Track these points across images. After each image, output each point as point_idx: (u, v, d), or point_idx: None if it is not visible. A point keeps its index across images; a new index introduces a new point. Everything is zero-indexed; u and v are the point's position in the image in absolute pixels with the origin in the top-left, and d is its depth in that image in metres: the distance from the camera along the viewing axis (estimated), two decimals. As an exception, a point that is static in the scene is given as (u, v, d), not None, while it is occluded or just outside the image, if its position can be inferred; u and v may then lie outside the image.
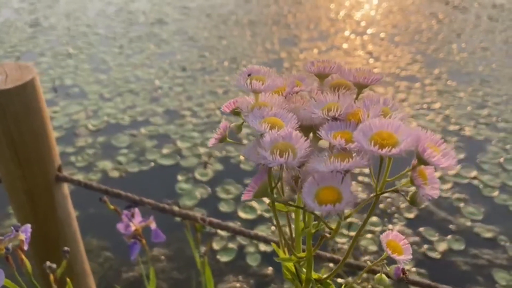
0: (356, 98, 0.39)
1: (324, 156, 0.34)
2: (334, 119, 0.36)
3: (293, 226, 0.41)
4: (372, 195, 0.35)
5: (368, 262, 0.40)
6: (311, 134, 0.37)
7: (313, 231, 0.38)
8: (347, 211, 0.35)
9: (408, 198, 0.36)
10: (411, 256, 0.41)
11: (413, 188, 0.35)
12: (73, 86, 2.88)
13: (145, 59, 3.30)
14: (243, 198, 0.35)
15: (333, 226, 0.36)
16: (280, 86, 0.41)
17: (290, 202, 0.36)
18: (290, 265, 0.41)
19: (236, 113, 0.41)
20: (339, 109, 0.36)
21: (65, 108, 2.61)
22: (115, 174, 2.05)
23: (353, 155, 0.33)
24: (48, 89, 2.83)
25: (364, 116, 0.35)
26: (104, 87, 2.87)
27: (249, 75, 0.40)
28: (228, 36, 3.71)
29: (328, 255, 0.80)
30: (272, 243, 0.44)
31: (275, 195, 0.37)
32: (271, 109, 0.37)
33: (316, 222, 0.38)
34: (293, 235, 0.41)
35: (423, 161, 0.33)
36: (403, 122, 0.33)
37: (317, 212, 0.32)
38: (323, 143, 0.36)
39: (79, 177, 2.02)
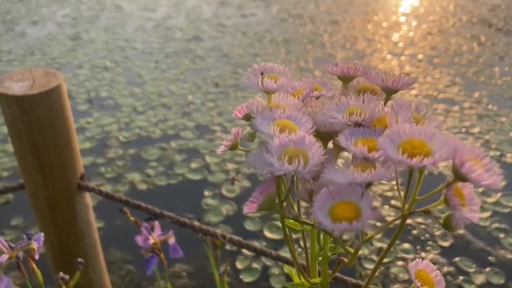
0: (385, 105, 0.34)
1: (341, 166, 0.28)
2: (357, 124, 0.31)
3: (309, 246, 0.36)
4: (399, 215, 0.30)
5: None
6: (331, 144, 0.33)
7: (329, 254, 0.34)
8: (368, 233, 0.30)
9: (441, 221, 0.30)
10: None
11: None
12: (108, 98, 2.92)
13: (180, 74, 3.32)
14: (245, 211, 0.30)
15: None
16: (298, 88, 0.37)
17: (304, 219, 0.32)
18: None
19: (249, 118, 0.36)
20: (363, 113, 0.31)
21: (99, 119, 2.65)
22: (143, 186, 2.04)
23: (377, 165, 0.27)
24: (84, 100, 2.89)
25: (392, 121, 0.30)
26: (137, 100, 2.90)
27: (261, 73, 0.36)
28: (262, 54, 3.71)
29: (353, 281, 0.75)
30: (285, 266, 0.40)
31: (286, 210, 0.32)
32: (284, 111, 0.32)
33: (333, 244, 0.34)
34: (309, 257, 0.36)
35: (460, 177, 0.27)
36: (438, 130, 0.28)
37: (330, 231, 0.27)
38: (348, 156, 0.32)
39: (108, 188, 2.03)
